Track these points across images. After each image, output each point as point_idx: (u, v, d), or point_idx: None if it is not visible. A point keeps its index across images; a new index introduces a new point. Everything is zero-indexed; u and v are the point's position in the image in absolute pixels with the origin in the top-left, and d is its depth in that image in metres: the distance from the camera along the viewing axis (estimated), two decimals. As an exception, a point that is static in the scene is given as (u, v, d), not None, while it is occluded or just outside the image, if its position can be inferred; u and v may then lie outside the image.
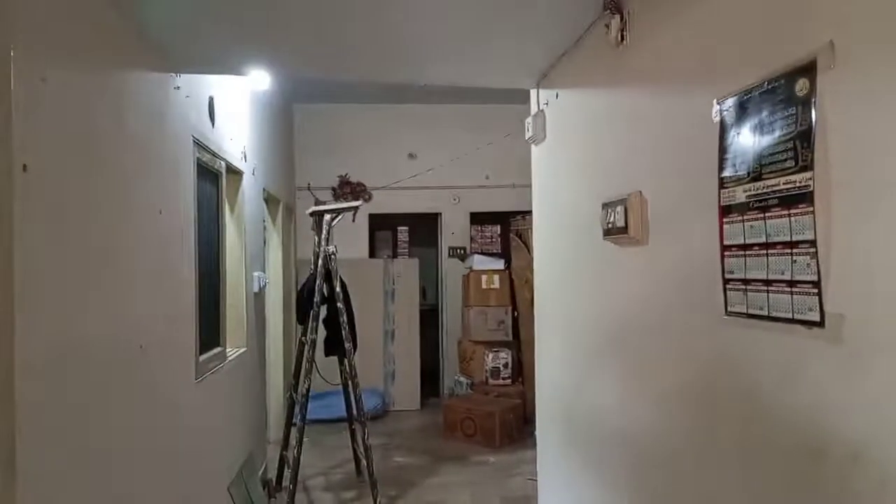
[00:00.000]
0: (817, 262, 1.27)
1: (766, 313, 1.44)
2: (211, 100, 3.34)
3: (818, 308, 1.28)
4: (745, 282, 1.51)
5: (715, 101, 1.63)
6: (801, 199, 1.31)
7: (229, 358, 3.68)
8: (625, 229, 2.17)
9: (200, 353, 3.10)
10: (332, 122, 6.80)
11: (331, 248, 4.28)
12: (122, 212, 2.20)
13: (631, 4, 2.17)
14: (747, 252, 1.50)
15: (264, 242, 5.10)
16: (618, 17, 2.21)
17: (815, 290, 1.28)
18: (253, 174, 4.36)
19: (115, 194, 2.15)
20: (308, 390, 4.12)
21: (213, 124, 3.36)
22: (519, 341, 6.19)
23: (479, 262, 6.49)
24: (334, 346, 4.52)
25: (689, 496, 1.88)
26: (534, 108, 3.39)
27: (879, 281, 1.15)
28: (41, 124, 1.65)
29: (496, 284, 6.29)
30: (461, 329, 6.68)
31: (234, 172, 3.89)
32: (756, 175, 1.46)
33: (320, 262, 4.27)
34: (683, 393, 1.90)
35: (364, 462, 4.27)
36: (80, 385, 1.84)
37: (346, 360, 4.41)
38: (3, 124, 1.48)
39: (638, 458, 2.21)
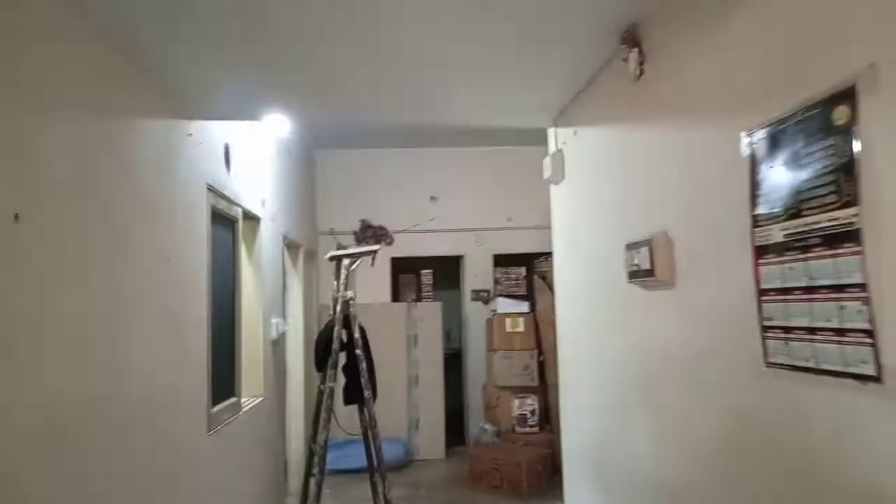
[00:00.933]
0: (870, 308, 1.13)
1: (812, 365, 1.29)
2: (227, 147, 3.32)
3: (873, 360, 1.13)
4: (787, 329, 1.37)
5: (743, 133, 1.52)
6: (846, 237, 1.18)
7: (245, 408, 3.58)
8: (651, 272, 2.04)
9: (213, 404, 3.01)
10: (353, 167, 6.83)
11: (349, 294, 4.19)
12: (125, 259, 2.13)
13: (650, 36, 2.08)
14: (787, 296, 1.36)
15: (284, 288, 5.04)
16: (636, 50, 2.12)
17: (870, 340, 1.14)
18: (272, 220, 4.33)
19: (118, 242, 2.09)
20: (326, 440, 3.97)
21: (228, 171, 3.33)
22: (545, 385, 5.97)
23: (504, 305, 6.35)
24: (354, 394, 4.39)
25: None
26: (552, 148, 3.31)
27: (945, 330, 1.01)
28: (37, 173, 1.60)
29: (521, 328, 6.13)
30: (485, 373, 6.50)
31: (251, 218, 3.85)
32: (794, 212, 1.33)
33: (339, 307, 4.18)
34: (721, 445, 1.76)
35: (385, 517, 4.07)
36: (76, 447, 1.75)
37: (365, 409, 4.27)
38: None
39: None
